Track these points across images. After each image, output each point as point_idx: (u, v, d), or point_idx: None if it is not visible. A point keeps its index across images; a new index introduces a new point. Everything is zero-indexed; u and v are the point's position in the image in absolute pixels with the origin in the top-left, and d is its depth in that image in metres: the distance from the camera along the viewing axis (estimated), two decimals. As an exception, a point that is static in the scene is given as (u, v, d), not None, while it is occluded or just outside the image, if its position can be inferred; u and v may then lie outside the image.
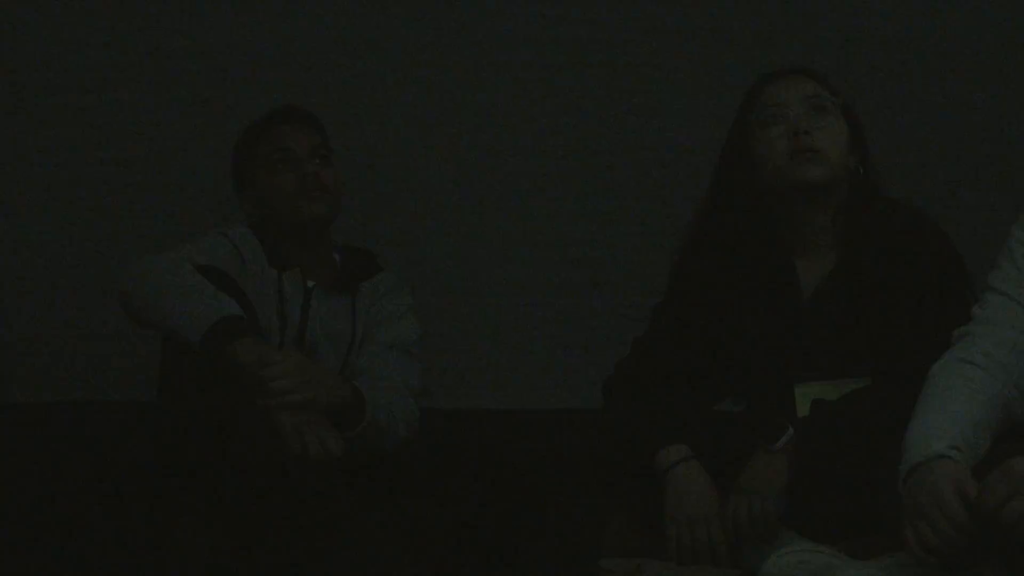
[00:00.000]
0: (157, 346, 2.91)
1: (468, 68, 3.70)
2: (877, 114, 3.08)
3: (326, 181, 3.15)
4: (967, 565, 2.36)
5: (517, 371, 3.68)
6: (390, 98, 3.69)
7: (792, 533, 2.69)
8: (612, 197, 3.69)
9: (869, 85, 3.54)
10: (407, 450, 3.00)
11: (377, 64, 3.70)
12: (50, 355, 3.65)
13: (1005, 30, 3.65)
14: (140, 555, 2.90)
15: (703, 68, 3.66)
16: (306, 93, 3.52)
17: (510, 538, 2.94)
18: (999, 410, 2.50)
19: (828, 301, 2.86)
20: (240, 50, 3.68)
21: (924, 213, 2.89)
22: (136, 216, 3.66)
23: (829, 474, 2.68)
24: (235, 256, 3.08)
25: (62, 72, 3.68)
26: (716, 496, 2.74)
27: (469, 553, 2.89)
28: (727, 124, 2.97)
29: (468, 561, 2.89)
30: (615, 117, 3.69)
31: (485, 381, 3.68)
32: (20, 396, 3.64)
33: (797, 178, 2.83)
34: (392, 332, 3.15)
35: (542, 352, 3.68)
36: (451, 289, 3.67)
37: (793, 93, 2.87)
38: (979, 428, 2.45)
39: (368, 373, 3.06)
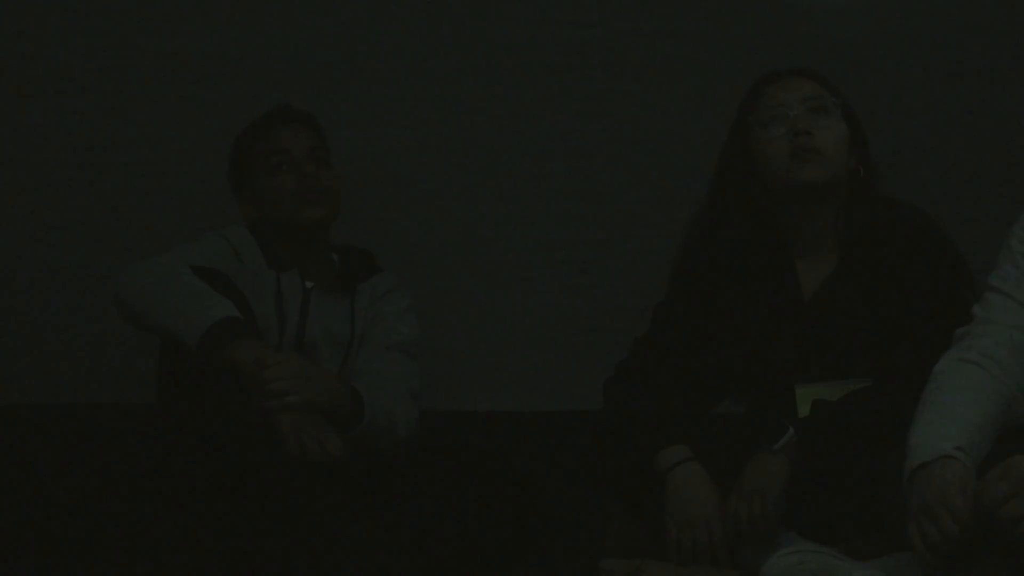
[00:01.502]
0: (156, 348, 2.91)
1: (467, 69, 3.70)
2: (877, 114, 3.08)
3: (325, 183, 3.15)
4: (967, 565, 2.36)
5: (517, 372, 3.67)
6: (390, 98, 3.69)
7: (792, 533, 2.69)
8: (612, 198, 3.69)
9: (869, 85, 3.54)
10: (406, 451, 3.00)
11: (376, 64, 3.70)
12: (50, 355, 3.65)
13: (1005, 30, 3.65)
14: (140, 555, 2.90)
15: (703, 68, 3.66)
16: (305, 93, 3.51)
17: (510, 538, 2.94)
18: (1000, 409, 2.51)
19: (829, 302, 2.86)
20: (239, 50, 3.68)
21: (925, 213, 2.89)
22: (135, 217, 3.66)
23: (829, 474, 2.68)
24: (233, 257, 3.07)
25: (62, 72, 3.68)
26: (716, 497, 2.75)
27: (469, 553, 2.89)
28: (727, 124, 2.97)
29: (468, 561, 2.89)
30: (616, 118, 3.69)
31: (485, 382, 3.68)
32: (20, 396, 3.64)
33: (797, 179, 2.83)
34: (391, 333, 3.15)
35: (542, 353, 3.68)
36: (451, 290, 3.67)
37: (793, 94, 2.87)
38: (982, 429, 2.46)
39: (367, 374, 3.06)
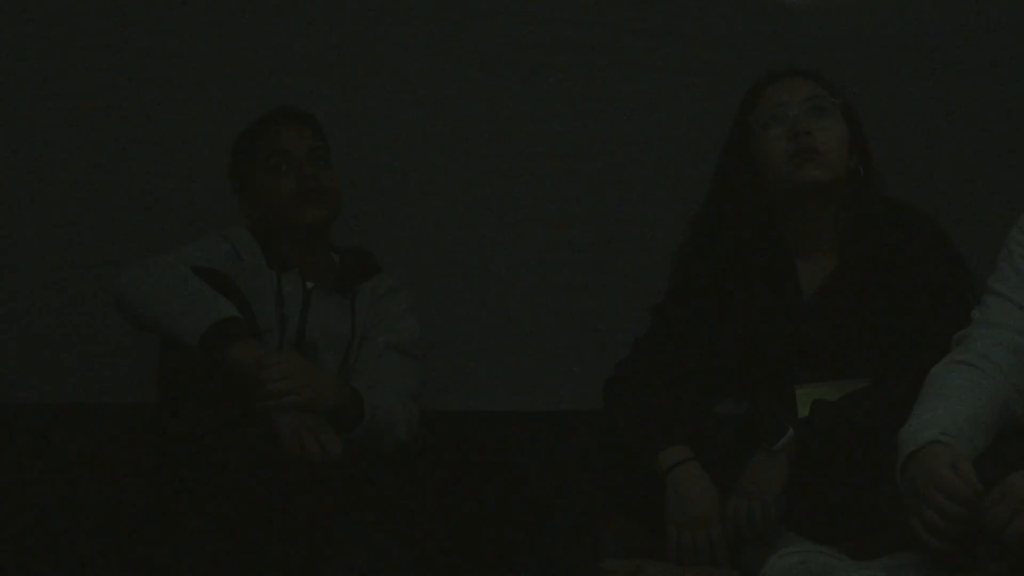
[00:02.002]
0: (156, 348, 2.91)
1: (468, 69, 3.70)
2: (877, 114, 3.08)
3: (325, 184, 3.15)
4: (967, 566, 2.36)
5: (517, 372, 3.67)
6: (390, 99, 3.69)
7: (792, 534, 2.69)
8: (612, 198, 3.69)
9: (869, 85, 3.54)
10: (406, 451, 3.00)
11: (376, 64, 3.70)
12: (50, 356, 3.65)
13: (1005, 30, 3.65)
14: (140, 555, 2.90)
15: (703, 69, 3.66)
16: (305, 94, 3.51)
17: (510, 538, 2.94)
18: (997, 410, 2.50)
19: (829, 302, 2.85)
20: (240, 51, 3.68)
21: (925, 214, 2.89)
22: (135, 217, 3.66)
23: (829, 475, 2.68)
24: (234, 257, 3.08)
25: (62, 73, 3.68)
26: (716, 497, 2.74)
27: (469, 553, 2.89)
28: (727, 124, 2.97)
29: (468, 561, 2.89)
30: (617, 118, 3.69)
31: (485, 382, 3.67)
32: (20, 396, 3.64)
33: (797, 179, 2.83)
34: (391, 333, 3.15)
35: (542, 353, 3.68)
36: (451, 290, 3.67)
37: (793, 94, 2.87)
38: (974, 423, 2.45)
39: (367, 374, 3.06)
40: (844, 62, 3.51)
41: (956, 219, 2.99)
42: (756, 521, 2.68)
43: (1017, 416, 2.53)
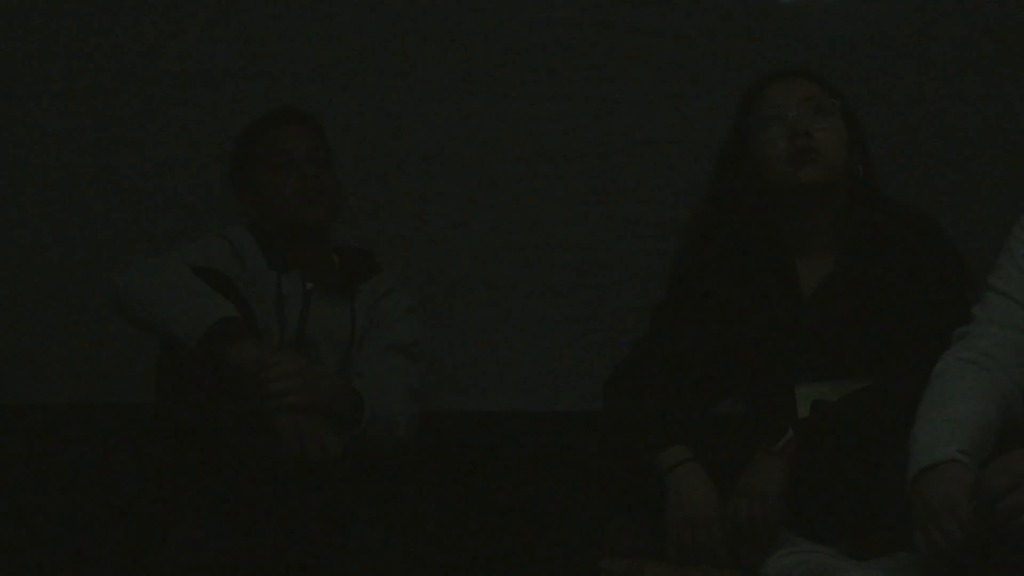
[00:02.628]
0: (156, 348, 2.91)
1: (468, 69, 3.70)
2: (877, 114, 3.08)
3: (325, 184, 3.15)
4: (970, 567, 2.37)
5: (517, 372, 3.67)
6: (390, 99, 3.70)
7: (792, 534, 2.69)
8: (612, 198, 3.69)
9: (869, 85, 3.54)
10: (407, 451, 3.00)
11: (377, 64, 3.70)
12: (50, 355, 3.65)
13: (1005, 30, 3.65)
14: (140, 555, 2.90)
15: (703, 69, 3.66)
16: (305, 93, 3.52)
17: (510, 538, 2.94)
18: (1001, 410, 2.50)
19: (829, 301, 2.85)
20: (239, 51, 3.68)
21: (925, 213, 2.89)
22: (135, 217, 3.66)
23: (829, 475, 2.68)
24: (234, 258, 3.07)
25: (62, 73, 3.68)
26: (716, 497, 2.74)
27: (469, 553, 2.89)
28: (727, 124, 2.97)
29: (468, 561, 2.89)
30: (616, 118, 3.69)
31: (485, 382, 3.68)
32: (20, 396, 3.64)
33: (796, 180, 2.83)
34: (391, 333, 3.15)
35: (542, 353, 3.68)
36: (451, 290, 3.67)
37: (792, 94, 2.87)
38: (984, 430, 2.45)
39: (367, 374, 3.06)
40: (844, 62, 3.51)
41: (956, 219, 2.99)
42: (756, 521, 2.67)
43: (1018, 415, 2.53)
